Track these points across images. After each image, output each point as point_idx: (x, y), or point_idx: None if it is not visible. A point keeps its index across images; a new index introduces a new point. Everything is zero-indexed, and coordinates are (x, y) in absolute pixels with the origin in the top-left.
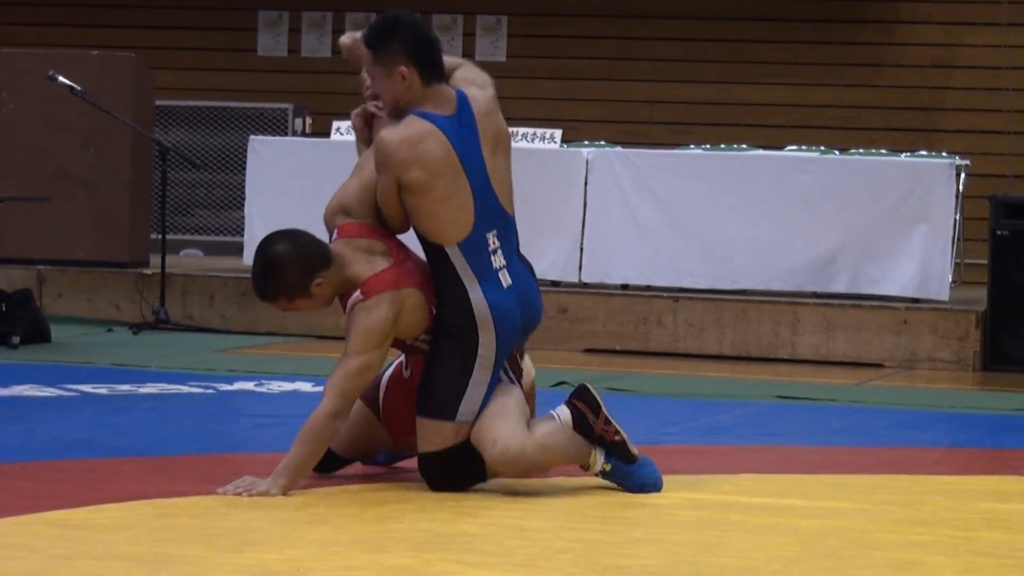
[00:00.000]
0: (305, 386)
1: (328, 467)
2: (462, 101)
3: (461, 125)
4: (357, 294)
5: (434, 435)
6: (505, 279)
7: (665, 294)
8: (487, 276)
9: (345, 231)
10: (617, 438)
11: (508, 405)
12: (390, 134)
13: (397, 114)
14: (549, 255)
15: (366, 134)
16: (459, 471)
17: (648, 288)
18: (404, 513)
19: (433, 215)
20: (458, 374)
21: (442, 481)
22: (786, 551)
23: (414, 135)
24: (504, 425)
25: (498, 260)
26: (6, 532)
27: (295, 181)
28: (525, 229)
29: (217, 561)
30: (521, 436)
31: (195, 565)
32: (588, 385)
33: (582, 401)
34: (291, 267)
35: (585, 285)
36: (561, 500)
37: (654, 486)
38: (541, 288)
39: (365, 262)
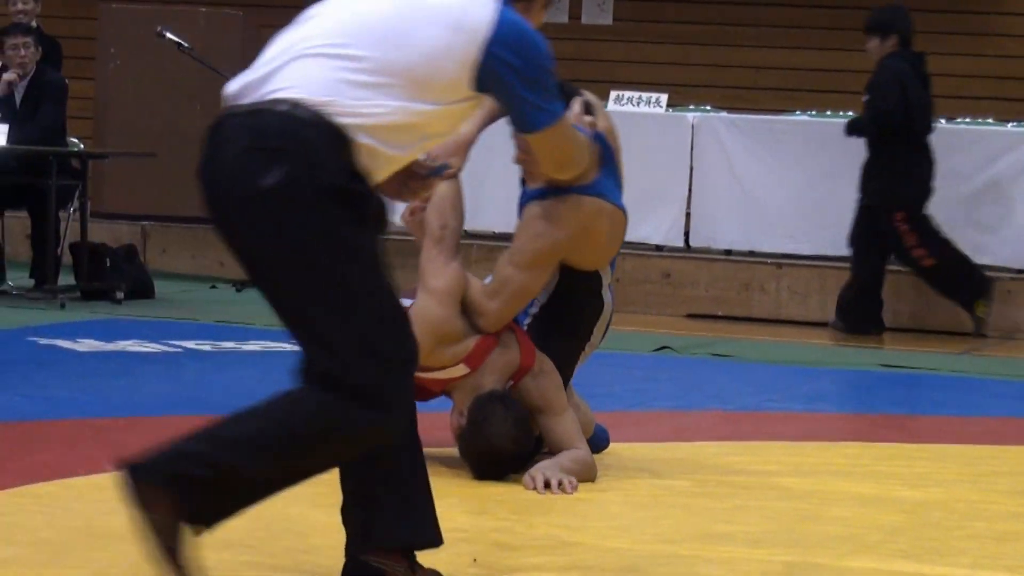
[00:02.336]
0: None
1: None
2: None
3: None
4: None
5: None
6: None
7: (769, 260)
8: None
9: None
10: None
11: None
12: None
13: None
14: (654, 219)
15: (422, 231)
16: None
17: (751, 254)
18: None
19: (609, 254)
20: (572, 364)
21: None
22: (888, 520)
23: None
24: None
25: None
26: (112, 487)
27: None
28: (631, 193)
29: (321, 520)
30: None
31: (303, 523)
32: None
33: None
34: (525, 442)
35: (689, 249)
36: (660, 467)
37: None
38: (646, 253)
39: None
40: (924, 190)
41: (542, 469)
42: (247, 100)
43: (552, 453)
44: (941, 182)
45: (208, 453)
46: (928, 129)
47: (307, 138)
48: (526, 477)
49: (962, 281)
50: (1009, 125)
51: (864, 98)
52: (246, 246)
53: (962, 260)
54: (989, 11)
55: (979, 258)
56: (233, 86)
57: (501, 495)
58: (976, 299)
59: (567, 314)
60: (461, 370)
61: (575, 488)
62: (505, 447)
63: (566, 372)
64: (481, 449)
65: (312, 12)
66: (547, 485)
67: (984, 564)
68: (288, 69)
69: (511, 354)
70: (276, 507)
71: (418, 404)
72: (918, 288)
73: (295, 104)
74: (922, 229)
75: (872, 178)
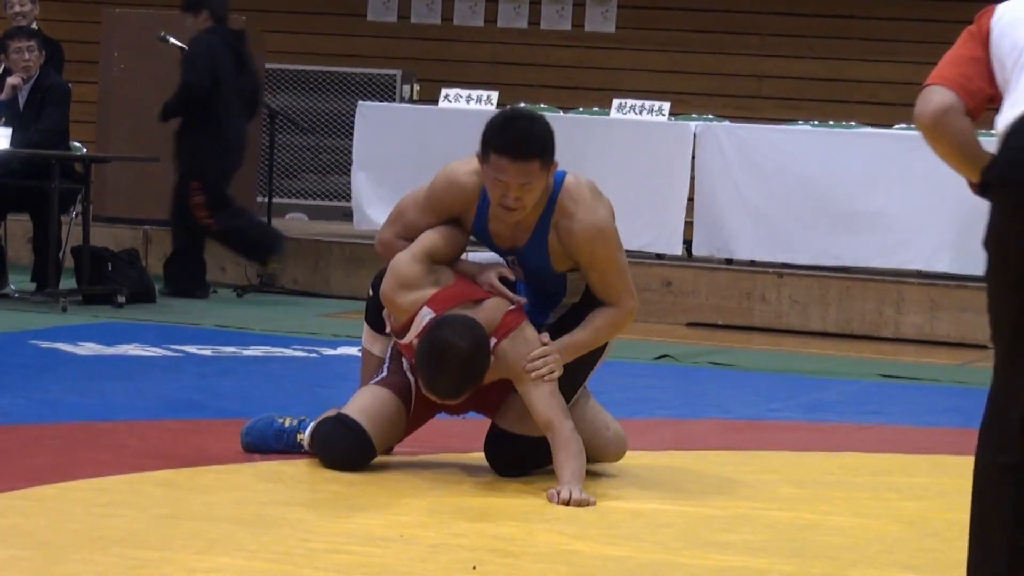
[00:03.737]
0: None
1: (362, 465)
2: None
3: None
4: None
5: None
6: None
7: (770, 270)
8: None
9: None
10: None
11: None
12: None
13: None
14: (655, 228)
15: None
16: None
17: (752, 263)
18: (505, 484)
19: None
20: (588, 371)
21: (521, 465)
22: (889, 531)
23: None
24: (607, 413)
25: None
26: (112, 490)
27: (402, 148)
28: (632, 201)
29: (322, 525)
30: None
31: (299, 528)
32: None
33: None
34: (481, 355)
35: (690, 258)
36: (660, 475)
37: None
38: (646, 261)
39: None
40: (222, 164)
41: (567, 484)
42: None
43: (554, 469)
44: (944, 192)
45: None
46: (249, 108)
47: None
48: (551, 492)
49: (255, 243)
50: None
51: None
52: None
53: (256, 224)
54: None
55: (981, 269)
56: None
57: (502, 503)
58: (268, 256)
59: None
60: (426, 314)
61: (594, 504)
62: (459, 344)
63: (580, 379)
64: (435, 348)
65: None
66: (567, 502)
67: None
68: None
69: (490, 312)
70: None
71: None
72: (922, 300)
73: None
74: (215, 200)
75: (180, 149)
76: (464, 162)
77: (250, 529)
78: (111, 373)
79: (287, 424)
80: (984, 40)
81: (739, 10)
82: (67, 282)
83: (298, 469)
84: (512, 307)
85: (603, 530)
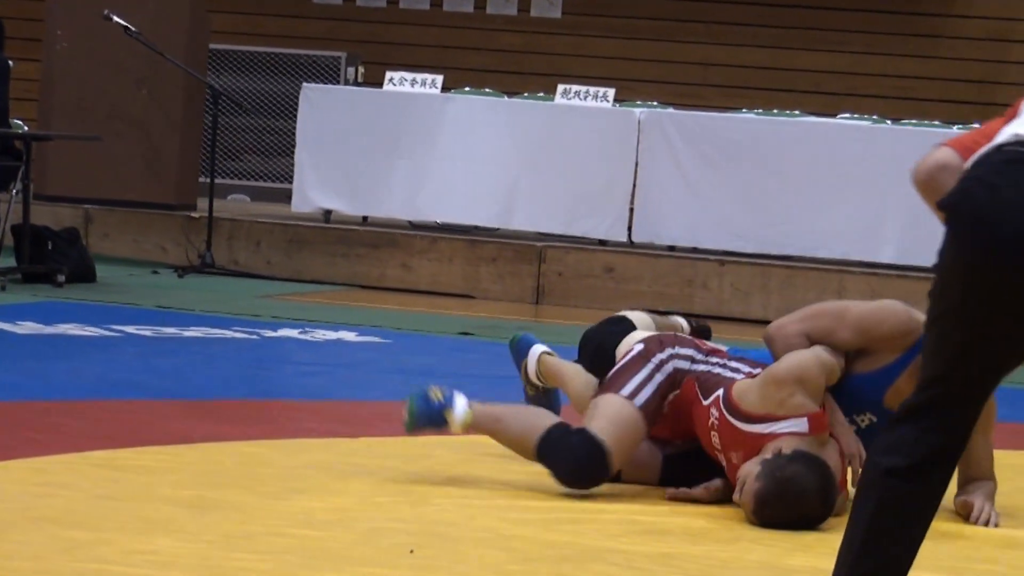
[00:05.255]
0: (349, 335)
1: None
2: None
3: None
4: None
5: None
6: None
7: (712, 257)
8: None
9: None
10: None
11: None
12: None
13: None
14: (598, 214)
15: None
16: None
17: (695, 250)
18: (444, 469)
19: None
20: None
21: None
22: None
23: None
24: None
25: None
26: (50, 470)
27: (346, 130)
28: (576, 187)
29: (261, 507)
30: None
31: (239, 510)
32: None
33: None
34: (828, 507)
35: (633, 245)
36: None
37: None
38: (589, 247)
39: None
40: None
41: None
42: None
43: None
44: (888, 183)
45: None
46: None
47: None
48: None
49: None
50: (955, 128)
51: None
52: None
53: None
54: (939, 13)
55: (922, 259)
56: None
57: (442, 487)
58: None
59: None
60: (801, 426)
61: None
62: (813, 487)
63: None
64: (791, 484)
65: None
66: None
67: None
68: None
69: (836, 460)
70: None
71: None
72: (863, 289)
73: None
74: None
75: None
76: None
77: (189, 511)
78: (50, 352)
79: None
80: (1011, 116)
81: None
82: (7, 261)
83: (240, 450)
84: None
85: (542, 515)
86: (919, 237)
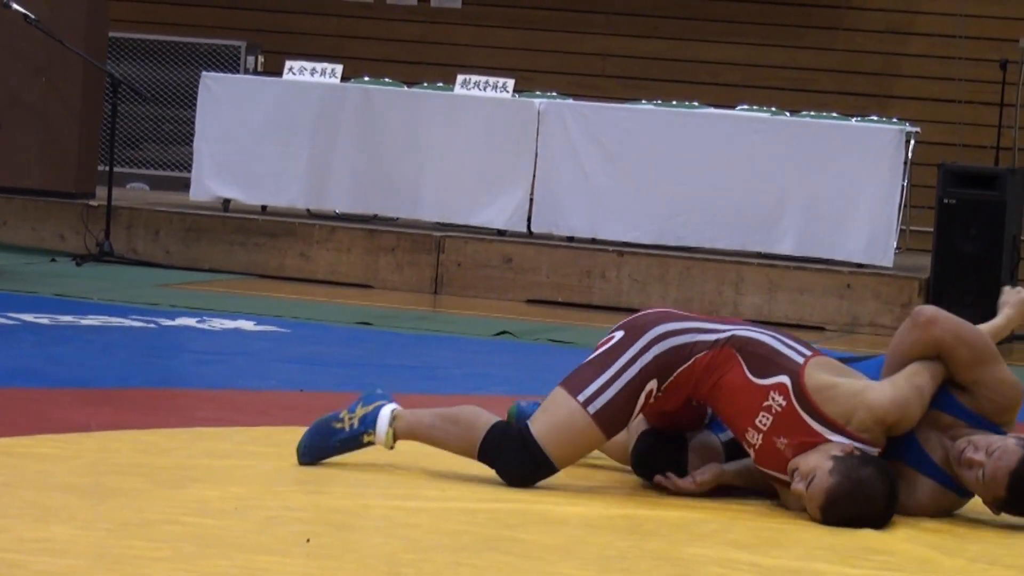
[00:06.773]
0: (247, 324)
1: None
2: None
3: None
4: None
5: None
6: None
7: (610, 248)
8: None
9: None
10: None
11: None
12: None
13: None
14: (498, 204)
15: None
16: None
17: (594, 241)
18: (342, 458)
19: None
20: None
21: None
22: (724, 514)
23: None
24: None
25: None
26: None
27: (245, 119)
28: (476, 177)
29: (158, 495)
30: None
31: (136, 498)
32: None
33: None
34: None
35: (532, 235)
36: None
37: None
38: (487, 237)
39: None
40: None
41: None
42: None
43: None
44: (786, 175)
45: None
46: None
47: None
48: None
49: None
50: (853, 120)
51: None
52: None
53: None
54: (837, 5)
55: (820, 251)
56: None
57: (339, 474)
58: None
59: None
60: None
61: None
62: (879, 510)
63: None
64: (855, 511)
65: None
66: None
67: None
68: None
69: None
70: None
71: None
72: (761, 281)
73: None
74: None
75: None
76: None
77: (85, 499)
78: None
79: (347, 428)
80: None
81: None
82: None
83: (137, 438)
84: None
85: (439, 503)
86: (817, 229)
